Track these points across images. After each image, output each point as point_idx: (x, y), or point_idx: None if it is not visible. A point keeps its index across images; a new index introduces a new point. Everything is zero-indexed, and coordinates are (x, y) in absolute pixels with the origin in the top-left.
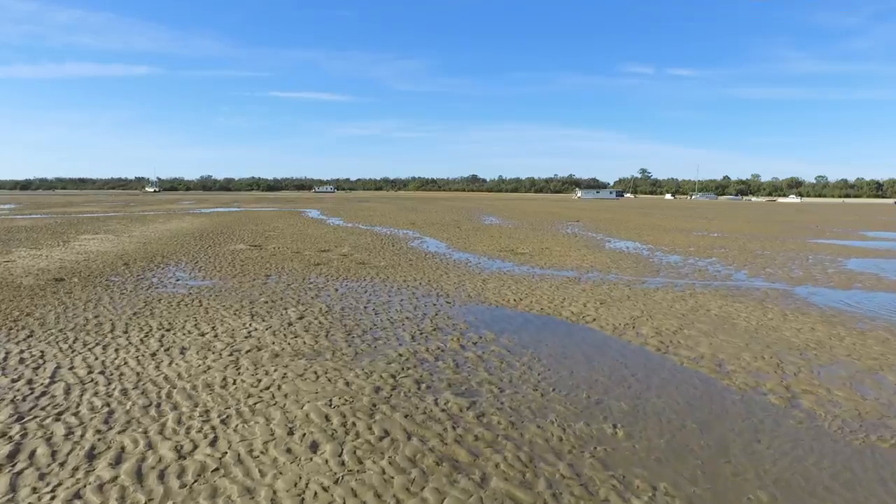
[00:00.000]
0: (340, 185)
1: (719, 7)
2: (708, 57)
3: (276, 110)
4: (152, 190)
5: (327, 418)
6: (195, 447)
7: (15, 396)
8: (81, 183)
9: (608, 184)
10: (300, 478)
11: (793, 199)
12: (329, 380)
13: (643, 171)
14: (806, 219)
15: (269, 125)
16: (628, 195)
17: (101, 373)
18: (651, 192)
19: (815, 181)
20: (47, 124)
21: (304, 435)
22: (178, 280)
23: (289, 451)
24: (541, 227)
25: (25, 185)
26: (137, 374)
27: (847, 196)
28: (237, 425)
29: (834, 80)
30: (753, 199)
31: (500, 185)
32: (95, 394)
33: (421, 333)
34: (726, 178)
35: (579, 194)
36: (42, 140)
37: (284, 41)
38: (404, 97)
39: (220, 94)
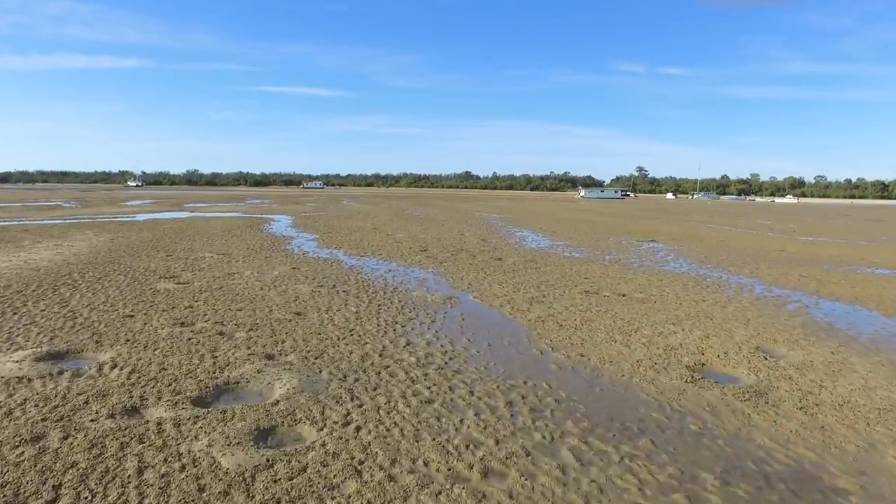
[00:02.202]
0: (330, 180)
1: (709, 7)
2: (699, 56)
3: (266, 105)
4: (134, 184)
5: None
6: None
7: None
8: (64, 176)
9: (604, 182)
10: None
11: (789, 199)
12: None
13: (640, 169)
14: None
15: (259, 119)
16: (630, 194)
17: None
18: (650, 191)
19: (813, 181)
20: (36, 117)
21: None
22: None
23: None
24: (625, 258)
25: (5, 178)
26: None
27: (852, 197)
28: None
29: (825, 81)
30: (757, 199)
31: (495, 183)
32: None
33: None
34: (725, 177)
35: (582, 193)
36: (30, 132)
37: (277, 35)
38: (396, 93)
39: (211, 88)
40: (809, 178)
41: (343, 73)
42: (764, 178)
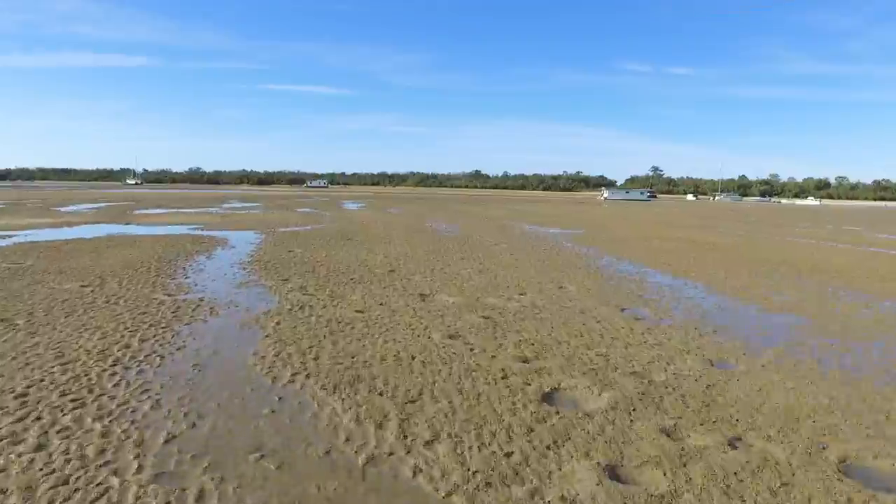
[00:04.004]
0: (336, 179)
1: (714, 6)
2: (705, 56)
3: (272, 103)
4: (134, 182)
5: None
6: None
7: None
8: (64, 173)
9: (616, 182)
10: None
11: (811, 201)
12: None
13: (655, 168)
14: None
15: (265, 118)
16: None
17: None
18: (668, 192)
19: (835, 182)
20: (42, 114)
21: None
22: None
23: None
24: None
25: (4, 175)
26: None
27: (882, 199)
28: None
29: (832, 81)
30: (783, 201)
31: (506, 182)
32: None
33: None
34: (744, 177)
35: (606, 194)
36: (36, 130)
37: (283, 34)
38: (402, 92)
39: (218, 86)
40: (829, 178)
41: (349, 71)
42: (782, 178)
